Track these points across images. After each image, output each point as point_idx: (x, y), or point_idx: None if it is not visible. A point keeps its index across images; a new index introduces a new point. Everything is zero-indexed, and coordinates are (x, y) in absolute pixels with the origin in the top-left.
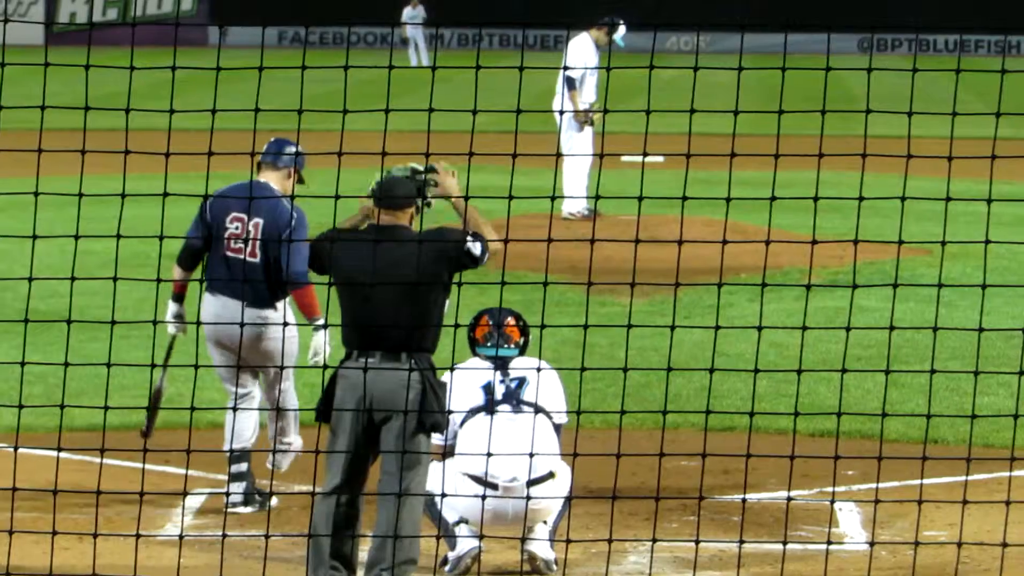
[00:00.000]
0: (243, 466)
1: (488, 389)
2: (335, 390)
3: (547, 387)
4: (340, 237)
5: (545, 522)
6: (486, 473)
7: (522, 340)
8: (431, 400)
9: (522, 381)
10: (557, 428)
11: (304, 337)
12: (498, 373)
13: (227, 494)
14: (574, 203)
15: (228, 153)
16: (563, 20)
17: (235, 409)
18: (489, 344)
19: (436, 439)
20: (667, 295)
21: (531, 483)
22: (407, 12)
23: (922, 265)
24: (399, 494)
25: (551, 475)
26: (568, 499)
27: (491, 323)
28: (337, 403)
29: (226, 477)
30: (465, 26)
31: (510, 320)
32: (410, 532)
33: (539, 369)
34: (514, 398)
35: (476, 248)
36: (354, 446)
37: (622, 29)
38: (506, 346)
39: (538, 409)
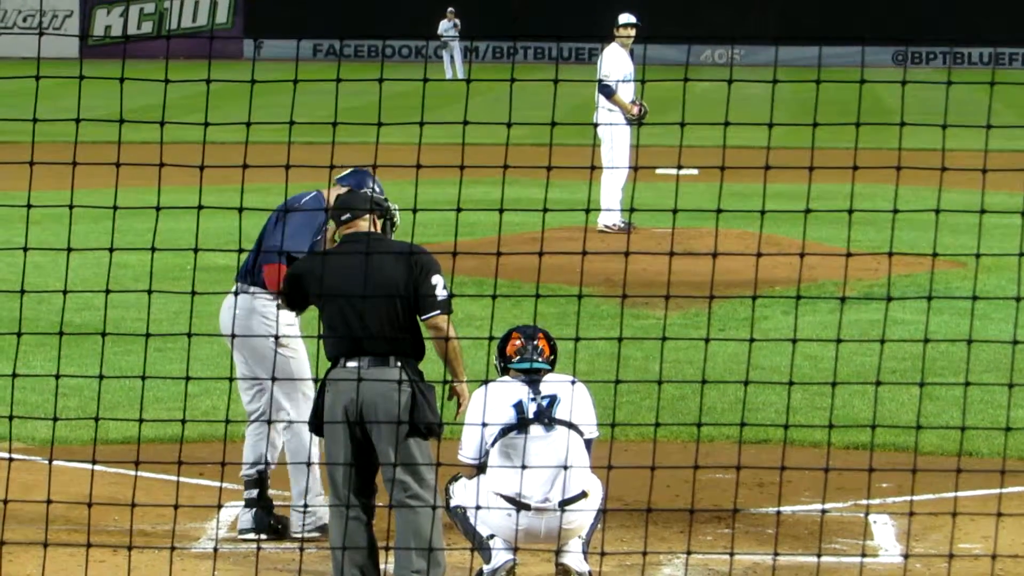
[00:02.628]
0: (253, 492)
1: (520, 407)
2: (324, 400)
3: (579, 403)
4: (318, 253)
5: (580, 536)
6: (518, 494)
7: (552, 354)
8: (421, 403)
9: (553, 399)
10: (588, 443)
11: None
12: (529, 391)
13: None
14: (609, 216)
15: (263, 166)
16: (595, 33)
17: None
18: (522, 359)
19: (466, 458)
20: (701, 308)
21: (564, 503)
22: (443, 25)
23: (956, 278)
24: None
25: (584, 495)
26: (600, 511)
27: (522, 336)
28: (327, 412)
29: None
30: (499, 39)
31: (541, 335)
32: (431, 536)
33: (573, 382)
34: (546, 416)
35: (442, 292)
36: (352, 455)
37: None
38: (539, 360)
39: (570, 427)
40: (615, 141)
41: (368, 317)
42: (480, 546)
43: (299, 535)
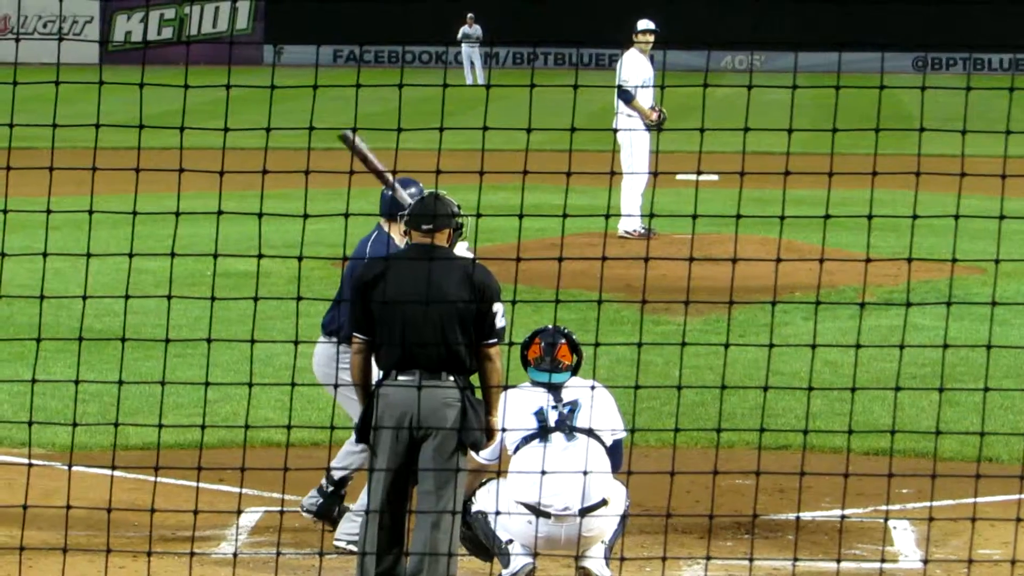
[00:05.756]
0: (331, 488)
1: (540, 416)
2: (375, 410)
3: (600, 408)
4: (382, 257)
5: (603, 542)
6: (539, 501)
7: (575, 359)
8: (471, 418)
9: (575, 405)
10: (616, 446)
11: None
12: (551, 398)
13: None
14: (630, 221)
15: (283, 172)
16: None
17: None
18: (541, 368)
19: (482, 459)
20: (721, 313)
21: (584, 511)
22: (463, 30)
23: (976, 283)
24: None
25: (604, 502)
26: (624, 516)
27: (543, 345)
28: (377, 422)
29: (281, 495)
30: (520, 45)
31: (562, 343)
32: (448, 549)
33: (593, 387)
34: (567, 425)
35: (500, 320)
36: (394, 465)
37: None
38: (558, 370)
39: (592, 434)
40: (635, 147)
41: (425, 330)
42: (500, 551)
43: (338, 543)
